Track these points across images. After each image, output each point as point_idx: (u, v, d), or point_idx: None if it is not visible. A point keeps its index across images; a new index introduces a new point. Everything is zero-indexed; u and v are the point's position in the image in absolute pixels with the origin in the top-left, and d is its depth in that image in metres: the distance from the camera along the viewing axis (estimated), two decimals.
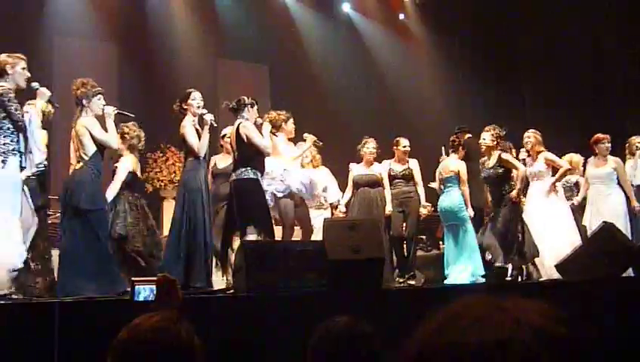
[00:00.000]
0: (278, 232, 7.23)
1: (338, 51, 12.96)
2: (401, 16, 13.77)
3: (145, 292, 4.75)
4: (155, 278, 3.41)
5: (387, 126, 8.33)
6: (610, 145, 8.29)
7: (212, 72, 12.26)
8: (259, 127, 6.65)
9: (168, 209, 10.14)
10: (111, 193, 6.49)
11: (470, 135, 8.79)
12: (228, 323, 4.47)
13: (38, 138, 5.83)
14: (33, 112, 5.78)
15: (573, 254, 7.14)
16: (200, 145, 6.26)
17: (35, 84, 5.87)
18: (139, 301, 4.63)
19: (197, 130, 6.42)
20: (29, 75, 5.66)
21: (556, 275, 7.15)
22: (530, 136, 7.94)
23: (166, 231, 9.09)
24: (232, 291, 5.79)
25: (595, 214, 8.02)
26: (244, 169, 6.31)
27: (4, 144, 5.33)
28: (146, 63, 10.94)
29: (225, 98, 11.51)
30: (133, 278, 5.06)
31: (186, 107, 6.52)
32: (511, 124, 10.09)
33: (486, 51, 12.79)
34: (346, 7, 13.53)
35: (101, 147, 5.84)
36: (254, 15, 12.15)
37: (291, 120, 7.43)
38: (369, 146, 7.95)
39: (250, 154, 6.37)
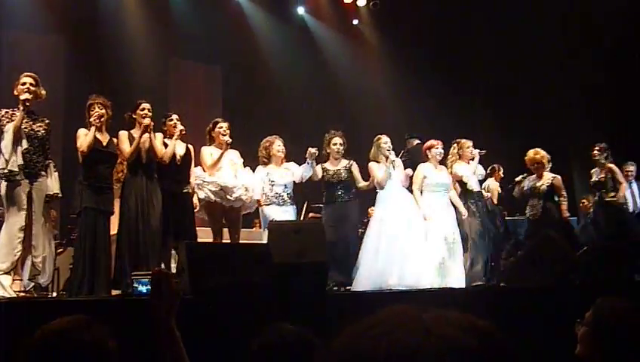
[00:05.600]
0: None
1: (292, 54, 12.95)
2: (355, 22, 13.85)
3: (143, 286, 4.93)
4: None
5: (340, 126, 8.34)
6: (442, 150, 8.16)
7: (164, 70, 12.12)
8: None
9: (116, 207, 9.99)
10: None
11: (419, 142, 8.89)
12: None
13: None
14: (9, 126, 5.80)
15: (515, 261, 7.28)
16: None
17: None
18: (139, 294, 4.79)
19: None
20: (22, 86, 5.88)
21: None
22: None
23: (113, 230, 9.01)
24: None
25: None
26: None
27: None
28: (96, 59, 10.74)
29: (176, 97, 11.57)
30: (132, 273, 5.26)
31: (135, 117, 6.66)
32: (461, 129, 10.27)
33: (438, 58, 12.94)
34: (301, 11, 13.56)
35: None
36: (208, 15, 12.05)
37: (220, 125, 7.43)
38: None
39: None
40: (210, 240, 7.26)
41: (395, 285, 7.11)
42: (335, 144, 7.89)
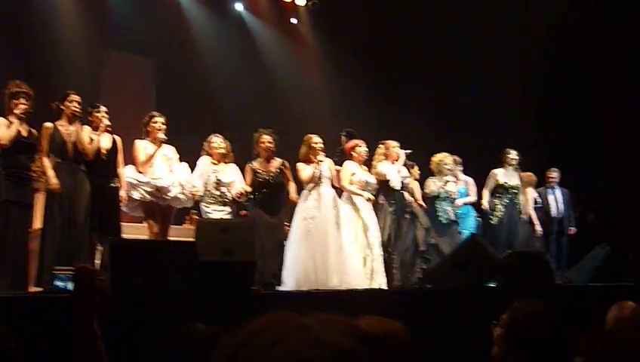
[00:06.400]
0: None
1: (228, 49, 12.82)
2: (294, 20, 13.81)
3: (62, 282, 4.75)
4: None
5: (274, 125, 8.31)
6: (367, 149, 8.21)
7: (97, 61, 11.80)
8: None
9: (41, 200, 9.67)
10: None
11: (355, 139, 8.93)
12: None
13: None
14: None
15: (439, 263, 7.39)
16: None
17: None
18: (57, 290, 4.63)
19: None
20: None
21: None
22: None
23: (38, 224, 8.77)
24: None
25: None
26: None
27: None
28: (25, 50, 10.34)
29: (110, 90, 11.29)
30: (54, 267, 5.06)
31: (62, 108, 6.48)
32: (396, 130, 10.42)
33: (375, 59, 13.03)
34: (239, 7, 13.43)
35: None
36: (143, 6, 11.80)
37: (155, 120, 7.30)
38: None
39: None
40: (141, 236, 7.17)
41: (337, 286, 7.08)
42: (263, 142, 7.66)
